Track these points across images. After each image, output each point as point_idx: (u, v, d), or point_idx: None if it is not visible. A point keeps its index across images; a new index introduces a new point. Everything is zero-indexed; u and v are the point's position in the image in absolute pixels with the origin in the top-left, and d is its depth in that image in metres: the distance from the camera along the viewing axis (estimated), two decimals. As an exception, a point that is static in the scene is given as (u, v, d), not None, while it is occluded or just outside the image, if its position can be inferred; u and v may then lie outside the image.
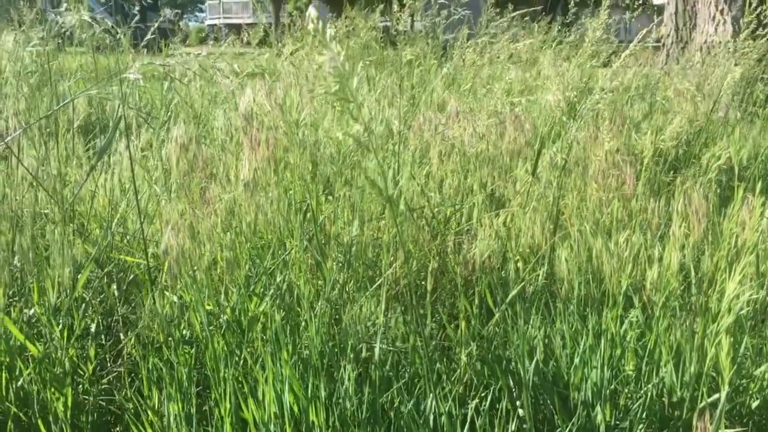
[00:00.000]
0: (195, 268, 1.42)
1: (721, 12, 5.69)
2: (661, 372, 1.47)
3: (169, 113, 2.67)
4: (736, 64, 3.17)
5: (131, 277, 1.85)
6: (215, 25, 39.37)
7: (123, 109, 1.80)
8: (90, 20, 2.05)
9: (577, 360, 1.52)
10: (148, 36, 3.60)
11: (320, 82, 0.99)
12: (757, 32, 3.08)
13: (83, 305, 1.71)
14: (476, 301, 1.66)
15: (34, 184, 1.84)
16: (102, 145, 1.61)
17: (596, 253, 1.49)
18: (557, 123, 2.27)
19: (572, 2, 4.55)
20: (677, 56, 5.77)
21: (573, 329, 1.58)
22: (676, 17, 6.14)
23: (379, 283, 1.60)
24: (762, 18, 3.02)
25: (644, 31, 1.92)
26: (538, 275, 1.70)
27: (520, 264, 1.81)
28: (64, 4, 2.18)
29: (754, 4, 3.01)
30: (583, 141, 1.99)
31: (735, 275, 1.18)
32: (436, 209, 1.95)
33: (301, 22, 5.66)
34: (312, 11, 13.84)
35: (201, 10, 60.21)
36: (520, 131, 1.99)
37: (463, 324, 1.63)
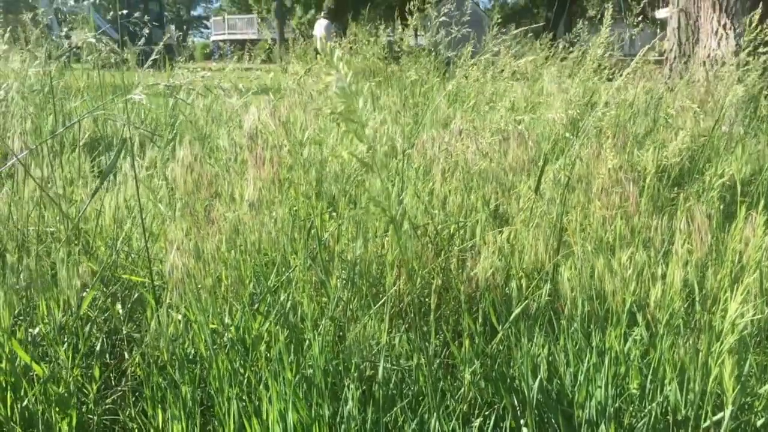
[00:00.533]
0: (199, 286, 1.43)
1: (724, 27, 5.72)
2: (665, 390, 1.47)
3: (174, 131, 2.69)
4: (739, 80, 3.18)
5: (136, 295, 1.86)
6: (220, 41, 39.64)
7: (128, 130, 1.81)
8: (95, 41, 2.07)
9: (581, 378, 1.51)
10: (153, 56, 3.64)
11: (326, 102, 1.01)
12: (759, 49, 3.09)
13: (88, 324, 1.72)
14: (480, 319, 1.66)
15: (40, 202, 1.86)
16: (106, 168, 1.63)
17: (599, 274, 1.49)
18: (560, 139, 2.28)
19: (575, 19, 4.58)
20: (680, 70, 5.79)
21: (577, 347, 1.58)
22: (678, 32, 6.15)
23: (382, 301, 1.60)
24: (764, 35, 3.03)
25: (646, 48, 1.93)
26: (542, 293, 1.70)
27: (523, 281, 1.81)
28: (65, 29, 2.21)
29: (754, 23, 3.02)
30: (587, 158, 1.99)
31: (737, 295, 1.18)
32: (439, 226, 1.96)
33: (304, 40, 5.71)
34: (319, 28, 14.02)
35: (206, 27, 60.75)
36: (523, 148, 2.00)
37: (466, 342, 1.63)
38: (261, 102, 1.98)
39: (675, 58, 6.14)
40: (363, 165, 0.93)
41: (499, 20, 4.40)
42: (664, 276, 1.49)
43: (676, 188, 2.51)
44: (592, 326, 1.60)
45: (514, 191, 2.05)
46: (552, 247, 1.83)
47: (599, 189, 1.77)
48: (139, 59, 4.57)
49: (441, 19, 3.73)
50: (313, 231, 1.76)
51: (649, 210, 1.93)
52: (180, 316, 1.61)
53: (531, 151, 1.95)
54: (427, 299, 1.87)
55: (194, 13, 66.54)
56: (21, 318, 1.70)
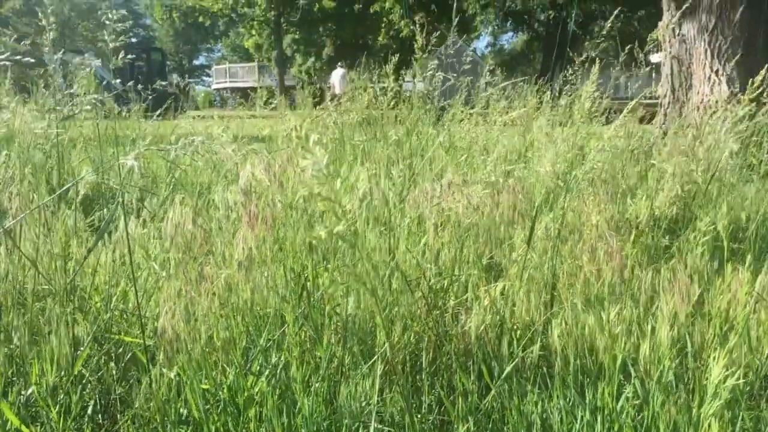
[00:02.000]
0: (191, 349, 1.43)
1: (716, 72, 5.80)
2: (659, 447, 1.46)
3: (172, 185, 2.72)
4: (732, 128, 3.21)
5: (129, 354, 1.85)
6: (222, 89, 40.23)
7: (124, 189, 1.83)
8: (98, 101, 2.12)
9: (575, 435, 1.50)
10: (158, 113, 3.71)
11: (303, 185, 1.04)
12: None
13: (81, 384, 1.71)
14: (472, 377, 1.65)
15: (36, 260, 1.87)
16: (98, 233, 1.65)
17: (588, 330, 1.50)
18: (552, 191, 2.30)
19: (569, 67, 4.65)
20: (675, 116, 5.85)
21: (570, 403, 1.57)
22: (672, 78, 6.23)
23: (373, 360, 1.60)
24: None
25: (632, 103, 1.97)
26: (535, 348, 1.70)
27: (518, 332, 1.81)
28: (71, 85, 2.27)
29: (758, 81, 3.04)
30: (578, 210, 2.02)
31: (720, 360, 1.18)
32: (431, 281, 1.96)
33: (306, 93, 5.80)
34: (336, 77, 14.63)
35: (208, 75, 61.66)
36: (514, 200, 2.02)
37: (460, 400, 1.62)
38: (257, 156, 2.00)
39: (669, 103, 6.20)
40: (343, 241, 0.95)
41: (491, 68, 4.48)
42: (653, 331, 1.49)
43: (668, 237, 2.52)
44: (584, 380, 1.60)
45: (509, 242, 2.07)
46: (545, 301, 1.84)
47: (586, 243, 1.78)
48: (145, 109, 4.68)
49: (437, 67, 3.80)
50: (306, 285, 1.76)
51: (642, 262, 1.94)
52: (172, 374, 1.61)
53: (522, 204, 1.97)
54: (421, 353, 1.86)
55: (196, 62, 67.62)
56: (14, 379, 1.70)
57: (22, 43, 2.28)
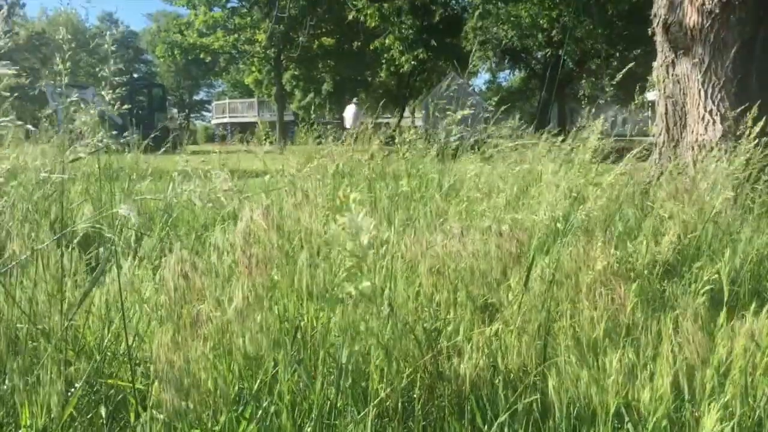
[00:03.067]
0: (185, 395, 1.42)
1: (710, 112, 5.83)
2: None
3: (167, 228, 2.72)
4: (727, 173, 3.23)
5: (120, 396, 1.84)
6: (221, 124, 40.49)
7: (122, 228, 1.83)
8: (101, 143, 2.13)
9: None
10: (160, 152, 3.74)
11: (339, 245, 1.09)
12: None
13: (72, 426, 1.69)
14: (465, 422, 1.64)
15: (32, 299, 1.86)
16: (91, 279, 1.65)
17: (584, 380, 1.49)
18: (549, 235, 2.30)
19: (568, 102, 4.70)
20: (670, 155, 5.87)
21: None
22: (666, 117, 6.26)
23: (366, 411, 1.58)
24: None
25: (633, 152, 1.99)
26: (529, 393, 1.69)
27: (512, 375, 1.79)
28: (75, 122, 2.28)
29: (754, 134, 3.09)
30: (574, 255, 2.01)
31: (713, 412, 1.17)
32: (425, 324, 1.95)
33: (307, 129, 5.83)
34: (348, 113, 15.05)
35: (207, 110, 62.04)
36: (512, 245, 2.02)
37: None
38: (255, 199, 2.01)
39: (664, 143, 6.22)
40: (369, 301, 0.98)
41: (493, 107, 4.52)
42: (652, 377, 1.48)
43: (667, 280, 2.51)
44: (578, 426, 1.58)
45: (506, 283, 2.06)
46: (539, 347, 1.83)
47: (588, 289, 1.77)
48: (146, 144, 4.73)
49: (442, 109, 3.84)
50: (300, 328, 1.75)
51: (639, 306, 1.93)
52: (164, 416, 1.58)
53: (517, 248, 1.97)
54: (414, 396, 1.84)
55: (196, 97, 68.06)
56: (4, 421, 1.68)
57: (26, 78, 2.30)
